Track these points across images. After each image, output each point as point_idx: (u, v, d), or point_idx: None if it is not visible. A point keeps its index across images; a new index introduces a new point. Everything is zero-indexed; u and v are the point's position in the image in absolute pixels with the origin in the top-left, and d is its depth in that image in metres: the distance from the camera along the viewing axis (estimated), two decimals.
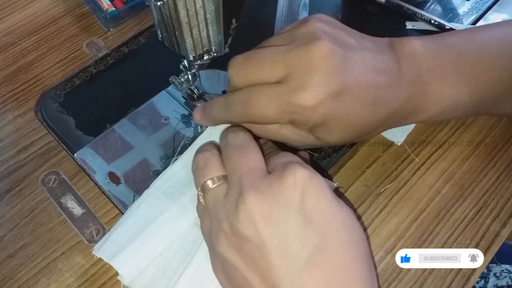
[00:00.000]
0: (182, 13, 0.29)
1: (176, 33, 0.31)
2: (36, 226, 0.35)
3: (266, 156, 0.29)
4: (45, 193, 0.37)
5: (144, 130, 0.40)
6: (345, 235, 0.25)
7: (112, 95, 0.42)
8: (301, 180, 0.25)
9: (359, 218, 0.35)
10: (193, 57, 0.33)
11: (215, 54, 0.34)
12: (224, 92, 0.41)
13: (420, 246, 0.34)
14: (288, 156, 0.28)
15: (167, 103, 0.41)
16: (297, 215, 0.24)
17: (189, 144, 0.35)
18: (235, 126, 0.32)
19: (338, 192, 0.36)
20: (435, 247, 0.34)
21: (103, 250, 0.31)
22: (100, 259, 0.33)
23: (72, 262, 0.34)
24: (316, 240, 0.24)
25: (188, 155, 0.34)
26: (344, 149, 0.38)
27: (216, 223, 0.27)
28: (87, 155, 0.38)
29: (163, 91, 0.42)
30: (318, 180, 0.25)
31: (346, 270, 0.24)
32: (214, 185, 0.28)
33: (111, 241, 0.31)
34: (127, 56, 0.45)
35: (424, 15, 0.44)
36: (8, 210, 0.36)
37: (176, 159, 0.35)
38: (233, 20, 0.32)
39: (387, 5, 0.46)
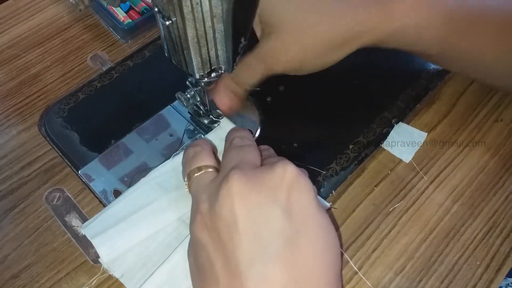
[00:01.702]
0: (191, 32, 0.29)
1: (184, 52, 0.31)
2: (40, 246, 0.35)
3: (264, 158, 0.30)
4: (49, 211, 0.36)
5: (150, 146, 0.39)
6: (320, 238, 0.24)
7: (117, 110, 0.42)
8: (290, 173, 0.25)
9: (368, 238, 0.35)
10: (201, 75, 0.33)
11: (223, 72, 0.33)
12: None
13: (429, 268, 0.34)
14: (284, 160, 0.28)
15: (172, 119, 0.41)
16: (276, 205, 0.24)
17: None
18: (242, 131, 0.32)
19: (329, 213, 0.35)
20: (445, 268, 0.34)
21: (89, 228, 0.31)
22: (106, 280, 0.33)
23: (77, 283, 0.33)
24: (289, 233, 0.23)
25: None
26: (352, 167, 0.38)
27: (195, 205, 0.27)
28: (92, 172, 0.37)
29: (169, 106, 0.41)
30: (305, 180, 0.25)
31: (313, 271, 0.23)
32: (200, 172, 0.28)
33: (98, 221, 0.32)
34: (132, 70, 0.44)
35: None
36: (12, 228, 0.36)
37: (176, 154, 0.35)
38: (242, 39, 0.32)
39: None
